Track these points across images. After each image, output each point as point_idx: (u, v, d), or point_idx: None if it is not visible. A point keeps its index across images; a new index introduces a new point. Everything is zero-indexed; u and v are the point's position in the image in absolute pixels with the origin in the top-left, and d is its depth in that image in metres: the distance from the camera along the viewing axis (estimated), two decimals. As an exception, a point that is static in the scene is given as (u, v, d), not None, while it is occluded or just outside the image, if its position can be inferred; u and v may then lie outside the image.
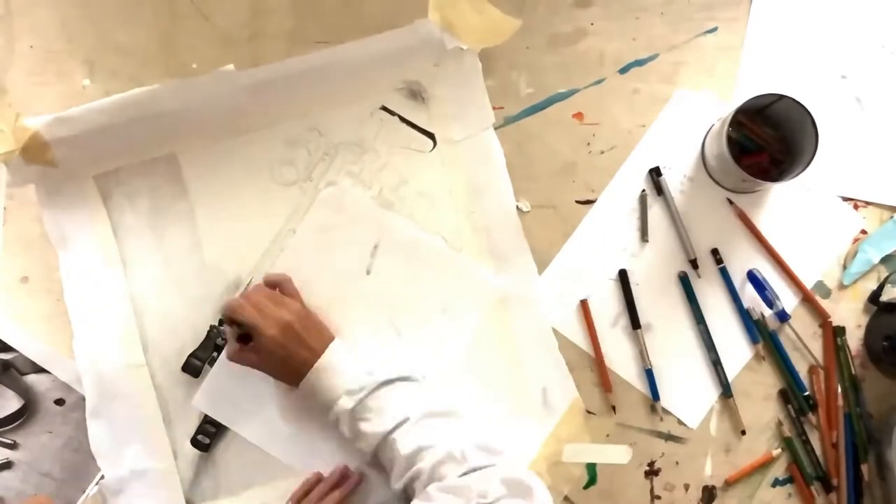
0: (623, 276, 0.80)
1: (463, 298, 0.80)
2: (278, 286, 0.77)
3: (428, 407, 0.71)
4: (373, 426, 0.70)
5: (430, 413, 0.70)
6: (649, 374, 0.79)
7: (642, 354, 0.80)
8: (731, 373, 0.80)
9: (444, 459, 0.66)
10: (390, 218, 0.80)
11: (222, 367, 0.78)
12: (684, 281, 0.80)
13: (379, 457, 0.71)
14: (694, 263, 0.80)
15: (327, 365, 0.72)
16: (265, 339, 0.71)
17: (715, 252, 0.80)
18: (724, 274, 0.80)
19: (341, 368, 0.72)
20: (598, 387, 0.80)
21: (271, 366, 0.73)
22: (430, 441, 0.68)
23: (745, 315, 0.80)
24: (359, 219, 0.80)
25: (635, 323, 0.80)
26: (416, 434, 0.69)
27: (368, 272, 0.80)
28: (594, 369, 0.80)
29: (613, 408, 0.80)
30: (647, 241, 0.81)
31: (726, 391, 0.79)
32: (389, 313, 0.80)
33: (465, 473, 0.65)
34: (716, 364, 0.80)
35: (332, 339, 0.74)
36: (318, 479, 0.76)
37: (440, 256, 0.80)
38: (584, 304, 0.80)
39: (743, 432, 0.79)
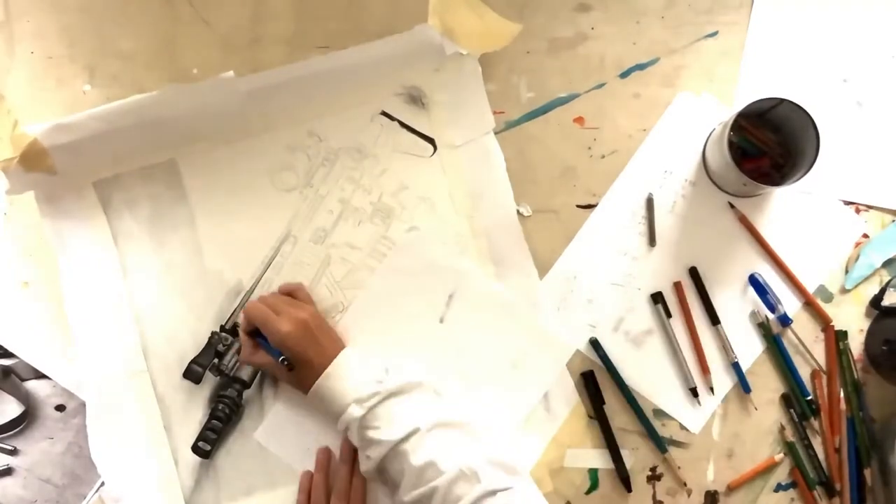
0: (694, 273, 0.80)
1: (535, 356, 0.80)
2: (292, 293, 0.78)
3: (439, 417, 0.70)
4: (381, 434, 0.69)
5: (442, 423, 0.69)
6: (736, 367, 0.79)
7: (726, 348, 0.79)
8: (732, 377, 0.80)
9: (457, 477, 0.65)
10: (468, 269, 0.80)
11: (284, 403, 0.79)
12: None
13: (386, 467, 0.70)
14: (694, 392, 0.80)
15: (337, 372, 0.72)
16: (280, 336, 0.71)
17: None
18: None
19: (351, 376, 0.72)
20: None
21: (282, 367, 0.73)
22: (443, 455, 0.67)
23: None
24: (437, 267, 0.80)
25: (714, 319, 0.80)
26: (427, 446, 0.68)
27: (442, 321, 0.80)
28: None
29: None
30: (654, 244, 0.81)
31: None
32: (458, 363, 0.79)
33: (481, 496, 0.64)
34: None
35: (342, 346, 0.75)
36: (326, 457, 0.77)
37: (515, 311, 0.80)
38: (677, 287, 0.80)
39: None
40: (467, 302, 0.80)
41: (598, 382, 0.79)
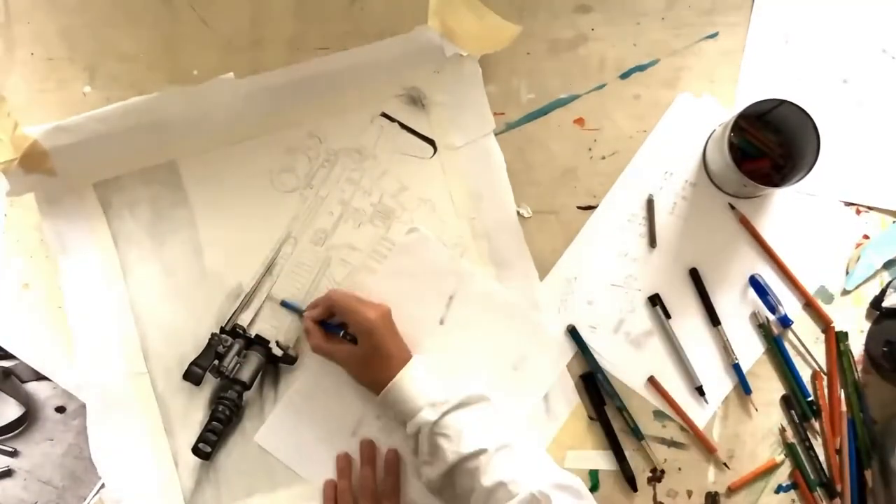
0: (695, 274, 0.80)
1: (535, 357, 0.80)
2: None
3: (505, 438, 0.70)
4: (452, 445, 0.69)
5: (507, 445, 0.70)
6: (737, 368, 0.79)
7: (727, 349, 0.79)
8: (733, 378, 0.80)
9: (529, 501, 0.66)
10: (468, 270, 0.80)
11: (285, 405, 0.79)
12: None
13: (454, 482, 0.70)
14: (700, 390, 0.79)
15: (413, 373, 0.73)
16: (368, 322, 0.73)
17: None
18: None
19: (425, 379, 0.73)
20: (600, 393, 0.80)
21: (360, 357, 0.74)
22: (513, 477, 0.67)
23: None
24: (438, 268, 0.80)
25: (714, 320, 0.79)
26: (497, 467, 0.68)
27: (442, 322, 0.80)
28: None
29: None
30: (654, 246, 0.81)
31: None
32: (459, 366, 0.78)
33: None
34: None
35: (410, 352, 0.75)
36: (347, 463, 0.78)
37: (515, 312, 0.80)
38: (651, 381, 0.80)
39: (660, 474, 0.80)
40: (467, 303, 0.80)
41: (598, 384, 0.79)
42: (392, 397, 0.72)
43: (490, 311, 0.80)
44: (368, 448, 0.78)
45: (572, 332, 0.80)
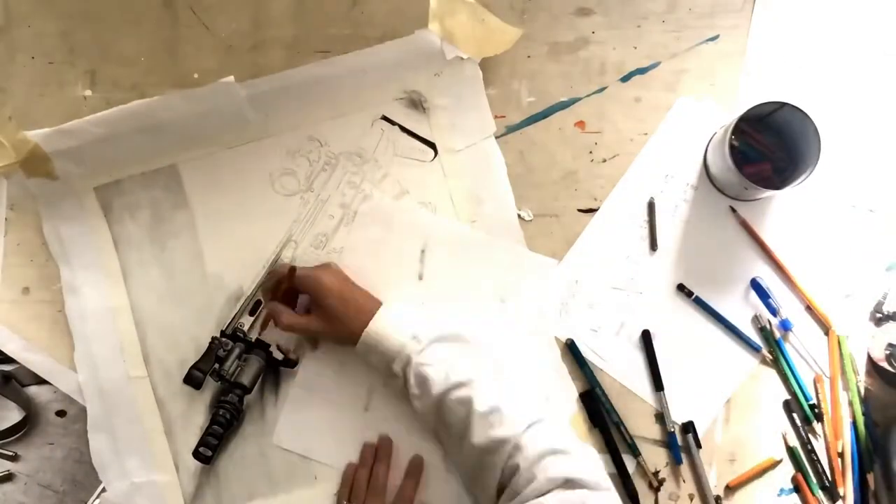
0: (647, 337, 0.79)
1: (519, 283, 0.80)
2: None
3: (490, 367, 0.71)
4: (439, 374, 0.69)
5: (498, 374, 0.71)
6: (672, 437, 0.78)
7: (663, 417, 0.78)
8: (735, 381, 0.80)
9: (527, 433, 0.66)
10: (431, 219, 0.80)
11: (293, 403, 0.79)
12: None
13: (446, 410, 0.69)
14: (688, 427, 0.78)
15: (388, 313, 0.73)
16: (325, 279, 0.73)
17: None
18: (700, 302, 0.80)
19: (402, 317, 0.73)
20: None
21: (332, 314, 0.73)
22: (506, 403, 0.68)
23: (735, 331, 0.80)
24: (400, 227, 0.80)
25: (658, 384, 0.79)
26: (489, 393, 0.68)
27: (421, 277, 0.80)
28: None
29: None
30: (655, 249, 0.81)
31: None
32: (450, 314, 0.79)
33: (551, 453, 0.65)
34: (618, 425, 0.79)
35: (378, 300, 0.75)
36: (371, 454, 0.77)
37: (488, 247, 0.80)
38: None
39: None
40: (440, 252, 0.80)
41: (597, 400, 0.79)
42: (371, 341, 0.71)
43: (464, 253, 0.80)
44: (386, 444, 0.77)
45: (571, 347, 0.79)
